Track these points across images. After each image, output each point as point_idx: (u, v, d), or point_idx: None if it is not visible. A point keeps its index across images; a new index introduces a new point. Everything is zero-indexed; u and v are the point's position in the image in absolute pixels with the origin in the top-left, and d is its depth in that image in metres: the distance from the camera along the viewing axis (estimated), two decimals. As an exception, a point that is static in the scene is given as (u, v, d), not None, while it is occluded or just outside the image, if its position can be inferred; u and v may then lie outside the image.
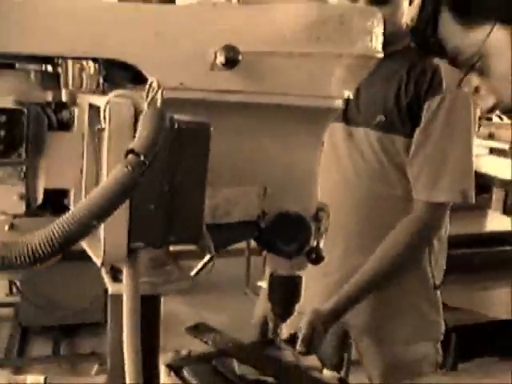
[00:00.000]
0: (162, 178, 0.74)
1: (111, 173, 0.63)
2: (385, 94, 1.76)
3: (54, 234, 0.59)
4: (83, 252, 0.82)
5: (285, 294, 1.13)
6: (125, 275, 0.77)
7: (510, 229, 4.04)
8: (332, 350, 1.90)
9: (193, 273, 0.92)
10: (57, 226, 0.59)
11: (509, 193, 4.99)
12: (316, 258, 1.03)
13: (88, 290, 3.63)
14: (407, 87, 1.72)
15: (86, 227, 0.60)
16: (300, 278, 1.11)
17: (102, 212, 0.61)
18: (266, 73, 0.90)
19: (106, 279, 0.87)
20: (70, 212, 0.60)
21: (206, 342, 1.46)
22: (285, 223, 0.96)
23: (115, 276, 0.89)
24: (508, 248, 3.67)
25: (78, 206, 0.60)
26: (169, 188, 0.74)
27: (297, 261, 1.05)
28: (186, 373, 1.30)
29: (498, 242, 3.69)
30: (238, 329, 1.69)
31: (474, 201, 1.77)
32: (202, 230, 0.79)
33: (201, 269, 1.08)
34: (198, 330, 1.54)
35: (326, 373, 1.40)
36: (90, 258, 0.81)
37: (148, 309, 0.90)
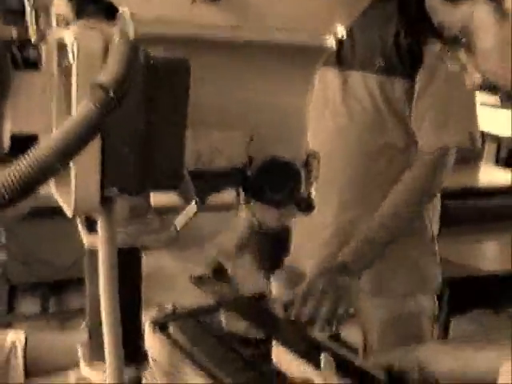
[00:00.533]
0: (136, 118, 0.67)
1: (77, 109, 0.57)
2: (382, 36, 1.69)
3: (13, 177, 0.53)
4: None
5: (273, 246, 1.08)
6: (99, 225, 0.71)
7: (501, 182, 4.01)
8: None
9: (176, 221, 0.86)
10: (16, 168, 0.53)
11: (501, 145, 4.95)
12: (306, 207, 0.97)
13: (76, 245, 3.58)
14: (407, 30, 1.65)
15: (48, 169, 0.53)
16: (288, 230, 1.06)
17: (65, 151, 0.54)
18: (252, 6, 0.83)
19: (81, 231, 0.81)
20: (30, 153, 0.53)
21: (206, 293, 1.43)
22: (273, 170, 0.90)
23: (92, 228, 0.83)
24: (500, 201, 3.65)
25: (39, 146, 0.54)
26: (145, 129, 0.68)
27: (286, 211, 0.99)
28: (172, 329, 1.25)
29: (490, 195, 3.67)
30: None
31: (480, 145, 1.75)
32: (182, 175, 0.72)
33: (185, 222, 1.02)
34: (202, 280, 1.50)
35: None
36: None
37: (128, 262, 0.84)
